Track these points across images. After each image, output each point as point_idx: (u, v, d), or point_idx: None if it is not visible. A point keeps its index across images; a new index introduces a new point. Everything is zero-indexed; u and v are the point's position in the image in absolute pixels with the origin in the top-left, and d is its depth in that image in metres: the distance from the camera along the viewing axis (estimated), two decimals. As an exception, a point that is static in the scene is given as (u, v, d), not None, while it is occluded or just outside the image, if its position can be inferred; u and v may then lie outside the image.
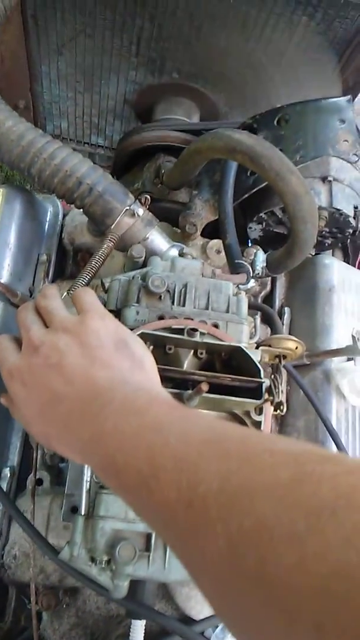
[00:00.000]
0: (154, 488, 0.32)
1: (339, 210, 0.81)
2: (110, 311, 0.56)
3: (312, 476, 0.25)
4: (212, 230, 0.88)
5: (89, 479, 0.56)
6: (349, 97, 0.82)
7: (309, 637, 0.21)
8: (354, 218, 0.83)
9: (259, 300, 0.88)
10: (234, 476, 0.28)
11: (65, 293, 0.63)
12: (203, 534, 0.28)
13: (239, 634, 0.28)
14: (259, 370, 0.57)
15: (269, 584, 0.23)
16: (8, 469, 0.71)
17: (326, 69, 1.07)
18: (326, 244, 0.91)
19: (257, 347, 0.66)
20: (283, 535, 0.23)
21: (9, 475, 0.71)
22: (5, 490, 0.69)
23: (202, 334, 0.60)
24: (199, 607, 0.67)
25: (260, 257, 0.78)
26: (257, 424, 0.58)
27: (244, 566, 0.25)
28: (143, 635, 0.59)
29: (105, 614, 0.69)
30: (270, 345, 0.67)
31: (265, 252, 0.80)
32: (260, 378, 0.57)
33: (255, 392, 0.56)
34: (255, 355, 0.60)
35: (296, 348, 0.68)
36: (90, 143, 1.35)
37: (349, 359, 0.79)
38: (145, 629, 0.60)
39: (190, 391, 0.54)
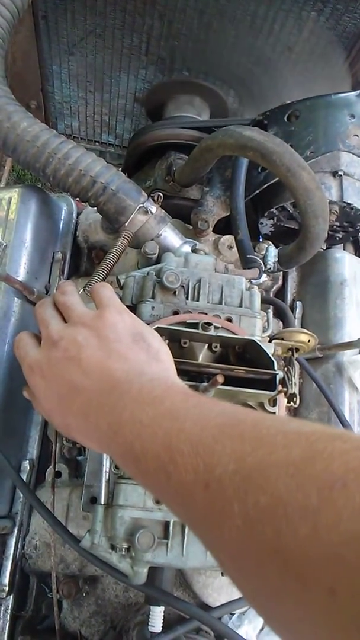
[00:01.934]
0: (172, 472, 0.33)
1: (349, 204, 0.81)
2: (126, 307, 0.57)
3: (323, 453, 0.26)
4: (224, 226, 0.89)
5: (107, 470, 0.58)
6: (358, 92, 0.83)
7: (323, 601, 0.23)
8: (365, 212, 0.83)
9: (271, 294, 0.89)
10: (249, 457, 0.29)
11: (81, 290, 0.65)
12: (221, 513, 0.29)
13: (258, 605, 0.30)
14: (273, 362, 0.58)
15: (285, 555, 0.25)
16: (27, 461, 0.73)
17: (335, 64, 1.07)
18: (337, 238, 0.92)
19: (270, 341, 0.67)
20: (297, 509, 0.25)
21: (28, 467, 0.72)
22: (25, 482, 0.71)
23: (216, 327, 0.61)
24: (215, 594, 0.68)
25: (272, 252, 0.79)
26: (271, 415, 0.59)
27: (261, 540, 0.26)
28: (161, 622, 0.61)
29: (124, 602, 0.71)
30: (283, 339, 0.68)
31: (276, 247, 0.81)
32: (274, 370, 0.58)
33: (269, 384, 0.57)
34: (269, 348, 0.61)
35: (308, 341, 0.69)
36: (101, 141, 1.36)
37: (360, 352, 0.80)
38: (163, 616, 0.61)
39: (205, 383, 0.55)
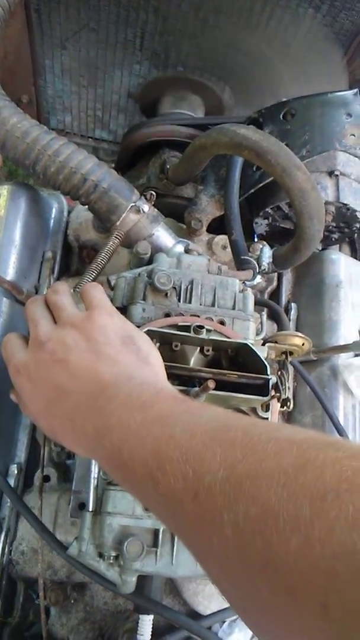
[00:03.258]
0: (161, 479, 0.32)
1: (345, 204, 0.80)
2: (117, 308, 0.56)
3: (315, 462, 0.25)
4: (218, 226, 0.87)
5: (96, 476, 0.57)
6: (355, 90, 0.82)
7: (315, 616, 0.22)
8: (361, 213, 0.82)
9: (266, 296, 0.88)
10: (239, 465, 0.28)
11: (71, 290, 0.63)
12: (210, 522, 0.28)
13: (247, 618, 0.29)
14: (266, 367, 0.57)
15: (276, 568, 0.24)
16: (15, 465, 0.72)
17: (332, 62, 1.06)
18: (333, 239, 0.91)
19: (263, 344, 0.66)
20: (288, 520, 0.24)
21: (16, 471, 0.71)
22: (12, 486, 0.69)
23: (208, 331, 0.60)
24: (206, 602, 0.67)
25: (267, 253, 0.77)
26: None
27: (251, 552, 0.26)
28: (151, 630, 0.60)
29: (113, 609, 0.70)
30: (276, 342, 0.67)
31: (271, 247, 0.80)
32: (267, 375, 0.56)
33: (262, 389, 0.56)
34: (262, 352, 0.60)
35: (303, 344, 0.67)
36: (94, 137, 1.34)
37: (356, 355, 0.79)
38: (152, 624, 0.60)
39: (197, 388, 0.54)
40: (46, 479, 0.71)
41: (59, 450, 0.71)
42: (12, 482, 0.70)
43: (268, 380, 0.56)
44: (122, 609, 0.70)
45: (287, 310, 0.86)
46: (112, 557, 0.54)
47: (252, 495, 0.26)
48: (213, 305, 0.63)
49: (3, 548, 0.68)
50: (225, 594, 0.31)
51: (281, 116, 0.83)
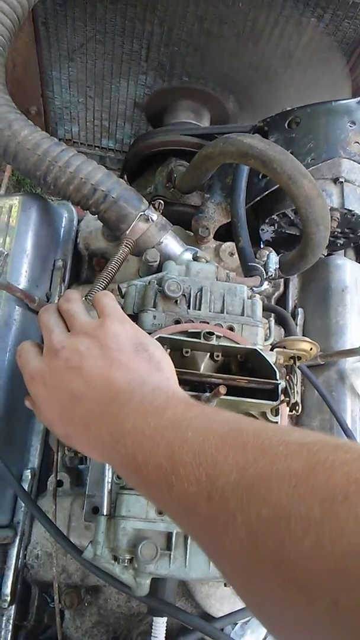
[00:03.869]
0: (175, 483, 0.33)
1: (350, 211, 0.81)
2: (128, 316, 0.57)
3: (324, 464, 0.26)
4: (225, 233, 0.89)
5: (110, 480, 0.58)
6: (358, 99, 0.83)
7: (327, 614, 0.23)
8: (366, 218, 0.83)
9: (272, 301, 0.89)
10: (251, 468, 0.29)
11: (83, 298, 0.65)
12: (223, 524, 0.29)
13: (262, 617, 0.30)
14: (275, 372, 0.58)
15: (288, 567, 0.25)
16: (29, 470, 0.73)
17: (335, 70, 1.07)
18: (338, 245, 0.92)
19: (272, 349, 0.67)
20: (300, 521, 0.25)
21: (30, 476, 0.72)
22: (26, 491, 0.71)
23: (218, 337, 0.61)
24: (218, 605, 0.68)
25: (273, 259, 0.79)
26: (274, 425, 0.59)
27: (263, 552, 0.26)
28: (164, 632, 0.61)
29: (126, 612, 0.71)
30: (284, 347, 0.68)
31: (277, 253, 0.81)
32: (276, 379, 0.57)
33: (271, 394, 0.57)
34: (271, 357, 0.61)
35: (310, 349, 0.68)
36: (101, 146, 1.36)
37: (362, 359, 0.80)
38: (165, 627, 0.61)
39: (208, 394, 0.55)
40: (59, 483, 0.72)
41: (72, 455, 0.72)
42: (26, 487, 0.71)
43: (277, 385, 0.57)
44: (135, 611, 0.71)
45: (294, 316, 0.87)
46: (126, 560, 0.55)
47: (264, 497, 0.27)
48: (222, 311, 0.65)
49: (18, 552, 0.70)
50: (239, 594, 0.32)
51: (286, 125, 0.84)
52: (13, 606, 0.69)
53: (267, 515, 0.26)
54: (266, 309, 0.80)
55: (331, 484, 0.25)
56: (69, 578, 0.70)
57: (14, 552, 0.69)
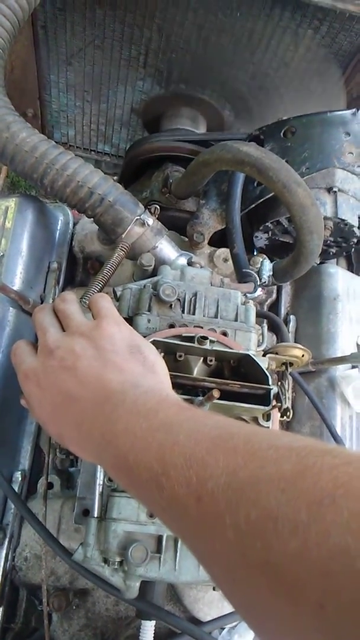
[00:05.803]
0: (165, 484, 0.34)
1: (343, 220, 0.82)
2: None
3: (313, 468, 0.26)
4: (219, 239, 0.89)
5: (101, 483, 0.58)
6: (353, 110, 0.84)
7: (313, 616, 0.23)
8: (359, 228, 0.84)
9: (265, 308, 0.90)
10: (241, 471, 0.30)
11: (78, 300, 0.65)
12: (212, 525, 0.29)
13: (249, 619, 0.30)
14: (267, 377, 0.58)
15: (275, 570, 0.25)
16: (19, 472, 0.73)
17: (331, 80, 1.09)
18: (331, 253, 0.93)
19: (264, 355, 0.68)
20: (287, 523, 0.25)
21: (20, 478, 0.72)
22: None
23: (211, 341, 0.61)
24: (206, 609, 0.68)
25: (267, 266, 0.79)
26: (265, 430, 0.59)
27: (251, 554, 0.27)
28: (152, 636, 0.61)
29: (114, 616, 0.71)
30: (277, 353, 0.68)
31: (271, 260, 0.82)
32: (269, 385, 0.58)
33: (263, 399, 0.58)
34: (263, 363, 0.61)
35: (302, 356, 0.69)
36: (97, 151, 1.37)
37: (353, 367, 0.81)
38: (154, 631, 0.61)
39: (201, 397, 0.55)
40: (50, 486, 0.72)
41: (63, 457, 0.72)
42: (16, 488, 0.71)
43: (270, 390, 0.58)
44: (123, 615, 0.71)
45: (286, 322, 0.88)
46: (116, 563, 0.55)
47: (253, 499, 0.27)
48: (216, 316, 0.65)
49: (7, 554, 0.69)
50: (227, 596, 0.32)
51: (282, 134, 0.86)
52: (1, 608, 0.68)
53: (256, 517, 0.27)
54: (259, 315, 0.80)
55: (319, 487, 0.25)
56: (57, 581, 0.70)
57: (2, 554, 0.69)
